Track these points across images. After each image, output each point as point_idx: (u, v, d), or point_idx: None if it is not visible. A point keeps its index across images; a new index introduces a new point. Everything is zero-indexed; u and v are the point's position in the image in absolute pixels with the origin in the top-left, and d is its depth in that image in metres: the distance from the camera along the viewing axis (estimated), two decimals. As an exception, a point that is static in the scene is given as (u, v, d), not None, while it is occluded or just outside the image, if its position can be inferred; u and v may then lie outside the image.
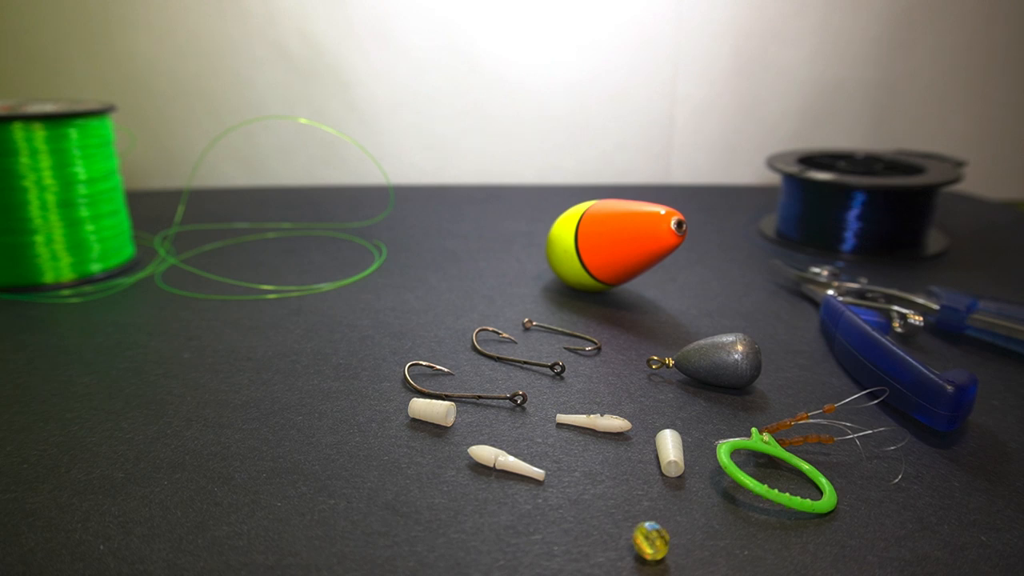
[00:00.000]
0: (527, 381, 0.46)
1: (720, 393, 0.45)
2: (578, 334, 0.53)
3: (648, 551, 0.30)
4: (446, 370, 0.47)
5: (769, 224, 0.81)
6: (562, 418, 0.41)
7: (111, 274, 0.65)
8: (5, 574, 0.30)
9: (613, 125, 1.02)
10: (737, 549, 0.31)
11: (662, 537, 0.30)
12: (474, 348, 0.50)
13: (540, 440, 0.40)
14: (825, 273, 0.60)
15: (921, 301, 0.54)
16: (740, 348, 0.44)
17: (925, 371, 0.39)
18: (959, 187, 0.99)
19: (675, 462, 0.36)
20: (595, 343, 0.51)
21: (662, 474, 0.37)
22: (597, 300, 0.60)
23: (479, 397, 0.43)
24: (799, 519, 0.33)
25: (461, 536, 0.32)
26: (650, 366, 0.47)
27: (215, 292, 0.61)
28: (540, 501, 0.34)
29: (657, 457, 0.38)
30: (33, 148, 0.59)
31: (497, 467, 0.37)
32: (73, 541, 0.32)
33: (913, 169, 0.75)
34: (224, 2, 0.93)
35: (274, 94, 0.98)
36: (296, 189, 0.98)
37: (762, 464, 0.38)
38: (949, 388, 0.38)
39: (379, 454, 0.38)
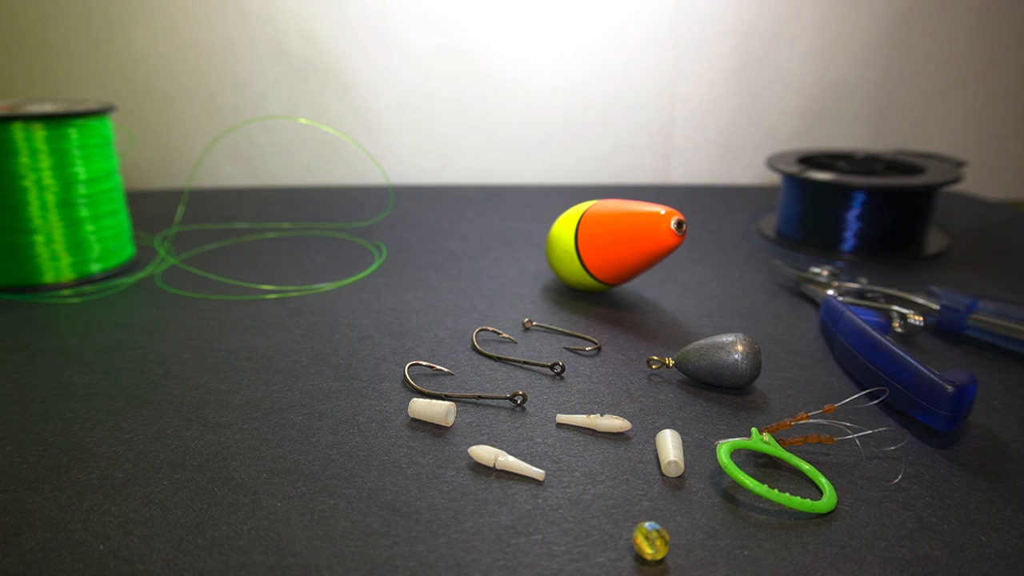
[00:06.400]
0: (527, 381, 0.46)
1: (720, 393, 0.45)
2: (578, 334, 0.53)
3: (648, 551, 0.30)
4: (446, 370, 0.47)
5: (769, 224, 0.81)
6: (562, 418, 0.41)
7: (111, 274, 0.65)
8: (5, 574, 0.30)
9: (613, 125, 1.02)
10: (737, 549, 0.31)
11: (662, 537, 0.30)
12: (474, 348, 0.50)
13: (540, 440, 0.40)
14: (825, 273, 0.60)
15: (921, 301, 0.54)
16: (740, 348, 0.44)
17: (925, 371, 0.39)
18: (959, 187, 0.99)
19: (675, 462, 0.36)
20: (595, 343, 0.51)
21: (662, 474, 0.37)
22: (597, 300, 0.59)
23: (479, 397, 0.43)
24: (799, 519, 0.33)
25: (461, 536, 0.32)
26: (650, 366, 0.47)
27: (215, 292, 0.61)
28: (540, 501, 0.34)
29: (657, 457, 0.38)
30: (33, 148, 0.59)
31: (497, 467, 0.37)
32: (73, 541, 0.32)
33: (913, 169, 0.75)
34: (224, 2, 0.93)
35: (274, 94, 0.98)
36: (296, 189, 0.98)
37: (762, 464, 0.38)
38: (949, 388, 0.38)
39: (379, 454, 0.38)
